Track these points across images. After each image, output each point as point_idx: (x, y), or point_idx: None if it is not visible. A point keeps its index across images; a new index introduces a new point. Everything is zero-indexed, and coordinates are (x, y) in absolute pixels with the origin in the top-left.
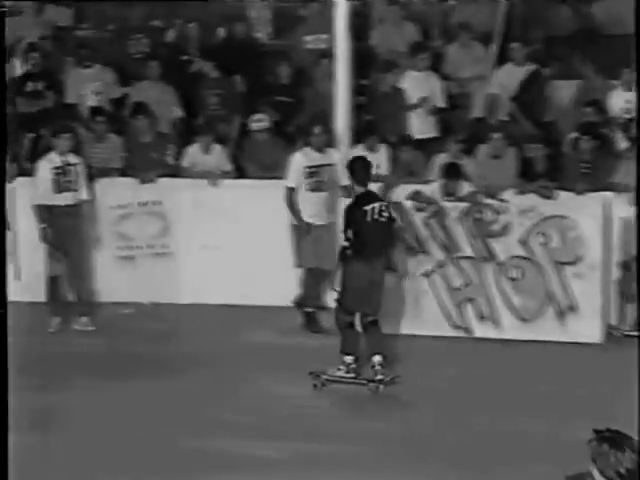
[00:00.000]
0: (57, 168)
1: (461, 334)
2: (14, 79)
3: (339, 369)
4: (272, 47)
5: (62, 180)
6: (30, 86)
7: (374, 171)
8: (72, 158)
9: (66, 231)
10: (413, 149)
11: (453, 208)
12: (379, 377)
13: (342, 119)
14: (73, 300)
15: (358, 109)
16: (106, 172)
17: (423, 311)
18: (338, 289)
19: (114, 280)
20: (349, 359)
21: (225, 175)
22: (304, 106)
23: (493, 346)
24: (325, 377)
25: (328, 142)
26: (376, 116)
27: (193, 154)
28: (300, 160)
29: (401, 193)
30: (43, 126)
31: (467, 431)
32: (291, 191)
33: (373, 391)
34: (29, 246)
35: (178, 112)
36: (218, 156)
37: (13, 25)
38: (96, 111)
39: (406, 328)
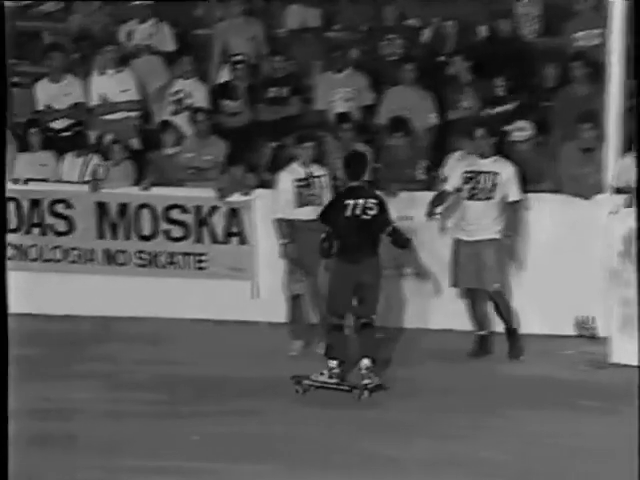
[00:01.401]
0: (300, 180)
1: None
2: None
3: (322, 374)
4: (538, 46)
5: (305, 193)
6: (273, 92)
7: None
8: (316, 169)
9: (309, 248)
10: None
11: None
12: (365, 382)
13: (614, 123)
14: (317, 322)
15: (630, 112)
16: None
17: None
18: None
19: None
20: (333, 364)
21: None
22: (569, 110)
23: None
24: (307, 382)
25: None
26: None
27: (453, 163)
28: (456, 164)
29: None
30: (286, 134)
31: None
32: (445, 195)
33: (357, 398)
34: (269, 262)
35: (434, 119)
36: None
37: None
38: (343, 118)
39: None
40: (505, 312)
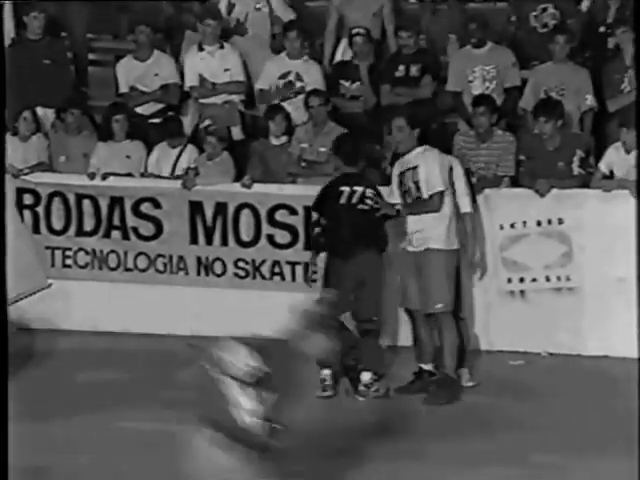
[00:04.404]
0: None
1: None
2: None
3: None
4: None
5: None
6: (400, 71)
7: None
8: None
9: None
10: None
11: None
12: (361, 399)
13: None
14: None
15: None
16: (493, 181)
17: None
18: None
19: (500, 321)
20: (325, 373)
21: None
22: None
23: None
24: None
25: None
26: None
27: (611, 156)
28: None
29: None
30: None
31: None
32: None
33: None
34: None
35: (592, 101)
36: None
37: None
38: (482, 100)
39: None
40: (447, 343)
